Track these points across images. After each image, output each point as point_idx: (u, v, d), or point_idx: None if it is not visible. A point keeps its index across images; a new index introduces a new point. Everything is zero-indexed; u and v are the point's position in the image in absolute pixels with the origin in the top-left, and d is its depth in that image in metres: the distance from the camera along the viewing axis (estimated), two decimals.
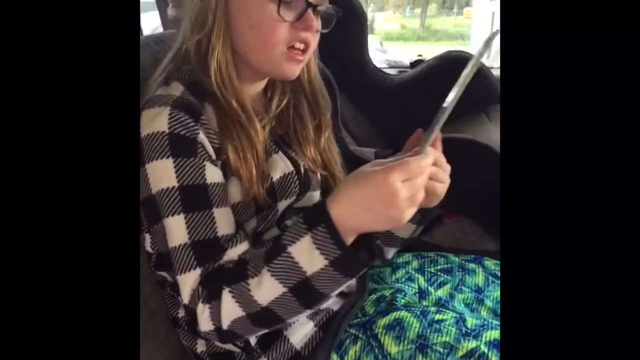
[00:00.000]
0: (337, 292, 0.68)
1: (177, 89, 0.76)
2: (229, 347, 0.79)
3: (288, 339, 0.79)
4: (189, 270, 0.70)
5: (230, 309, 0.68)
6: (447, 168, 0.73)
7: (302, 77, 0.88)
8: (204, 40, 0.76)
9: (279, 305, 0.67)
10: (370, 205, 0.63)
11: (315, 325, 0.81)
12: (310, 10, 0.75)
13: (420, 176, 0.63)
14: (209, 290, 0.69)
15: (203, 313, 0.69)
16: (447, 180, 0.73)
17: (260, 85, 0.86)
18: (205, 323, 0.70)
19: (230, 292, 0.68)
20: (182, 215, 0.70)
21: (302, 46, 0.77)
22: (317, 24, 0.77)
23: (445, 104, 0.64)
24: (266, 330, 0.74)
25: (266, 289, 0.66)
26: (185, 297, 0.70)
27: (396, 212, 0.62)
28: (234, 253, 0.72)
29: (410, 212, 0.63)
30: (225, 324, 0.69)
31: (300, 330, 0.80)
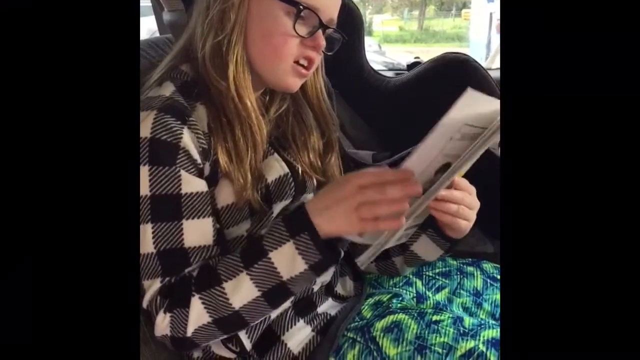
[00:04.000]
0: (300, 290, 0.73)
1: (167, 89, 0.76)
2: (225, 352, 0.79)
3: (285, 344, 0.79)
4: (152, 278, 0.71)
5: (199, 316, 0.69)
6: (468, 202, 0.76)
7: (310, 96, 0.88)
8: (224, 41, 0.75)
9: (249, 309, 0.70)
10: (328, 203, 0.67)
11: (313, 330, 0.81)
12: (320, 30, 0.76)
13: (373, 187, 0.64)
14: (172, 300, 0.70)
15: (163, 321, 0.71)
16: (470, 218, 0.78)
17: (261, 89, 0.86)
18: (163, 330, 0.71)
19: (200, 298, 0.69)
20: (150, 225, 0.71)
21: (305, 63, 0.77)
22: (323, 45, 0.78)
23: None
24: (226, 337, 0.75)
25: (242, 292, 0.69)
26: (145, 301, 0.72)
27: (343, 212, 0.65)
28: (199, 265, 0.73)
29: (361, 224, 0.65)
30: (189, 332, 0.70)
31: (298, 335, 0.80)
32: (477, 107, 0.62)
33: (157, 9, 1.41)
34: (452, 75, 1.46)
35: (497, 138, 0.63)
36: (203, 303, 0.69)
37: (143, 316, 0.81)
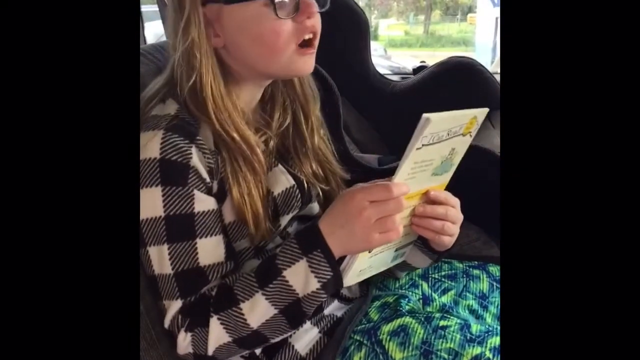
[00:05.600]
0: (312, 311, 0.72)
1: (172, 107, 0.75)
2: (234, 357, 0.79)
3: (293, 346, 0.79)
4: (172, 299, 0.72)
5: (219, 336, 0.70)
6: (452, 216, 0.75)
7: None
8: (197, 79, 0.73)
9: (268, 327, 0.70)
10: (341, 222, 0.67)
11: (320, 332, 0.81)
12: None
13: (389, 201, 0.65)
14: (192, 319, 0.71)
15: (185, 340, 0.71)
16: (454, 233, 0.77)
17: (258, 95, 0.84)
18: (185, 349, 0.72)
19: (219, 319, 0.70)
20: (166, 246, 0.71)
21: (310, 35, 0.75)
22: (315, 6, 0.75)
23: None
24: (248, 352, 0.76)
25: (259, 312, 0.69)
26: (167, 321, 0.72)
27: (361, 230, 0.66)
28: (217, 282, 0.73)
29: (378, 237, 0.66)
30: (210, 351, 0.70)
31: (305, 336, 0.80)
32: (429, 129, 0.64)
33: (164, 13, 1.42)
34: (457, 78, 1.46)
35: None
36: (222, 323, 0.70)
37: (149, 317, 0.82)
